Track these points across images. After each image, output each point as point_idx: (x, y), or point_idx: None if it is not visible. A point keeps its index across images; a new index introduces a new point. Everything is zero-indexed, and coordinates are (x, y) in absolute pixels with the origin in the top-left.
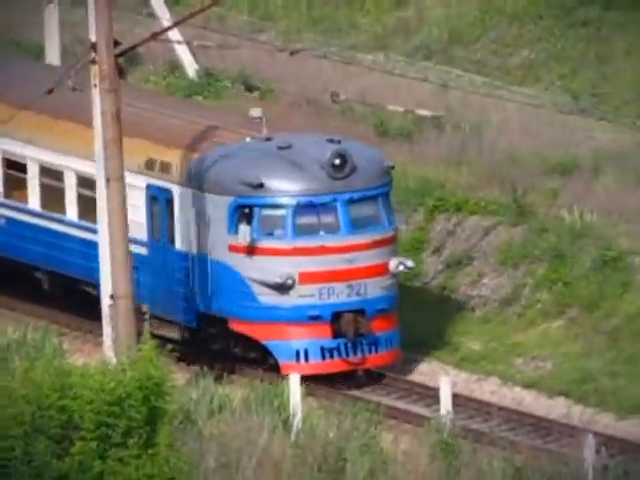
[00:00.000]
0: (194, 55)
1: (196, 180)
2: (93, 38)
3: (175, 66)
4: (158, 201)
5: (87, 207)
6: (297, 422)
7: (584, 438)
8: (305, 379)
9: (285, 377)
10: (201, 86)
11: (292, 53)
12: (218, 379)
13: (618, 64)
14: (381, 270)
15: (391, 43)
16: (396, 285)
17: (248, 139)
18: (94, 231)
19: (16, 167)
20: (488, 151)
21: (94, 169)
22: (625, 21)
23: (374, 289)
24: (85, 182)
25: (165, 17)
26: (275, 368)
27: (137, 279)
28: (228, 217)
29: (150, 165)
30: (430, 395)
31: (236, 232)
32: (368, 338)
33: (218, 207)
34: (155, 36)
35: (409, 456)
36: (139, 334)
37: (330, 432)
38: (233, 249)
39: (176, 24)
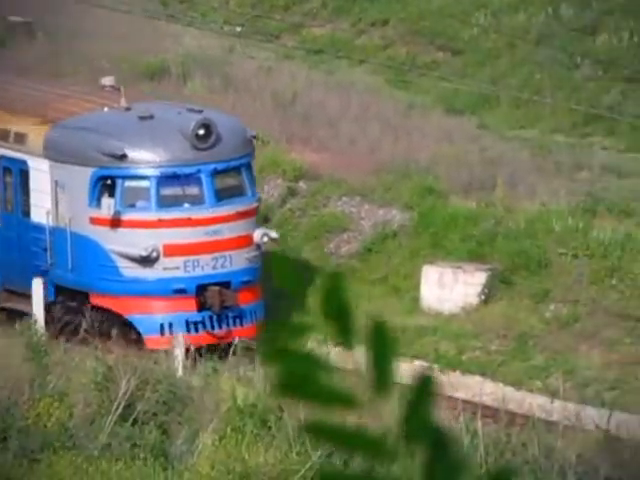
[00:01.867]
0: None
1: (53, 150)
2: None
3: None
4: (12, 173)
5: None
6: None
7: None
8: None
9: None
10: None
11: None
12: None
13: None
14: (246, 242)
15: None
16: (260, 257)
17: (106, 109)
18: None
19: None
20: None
21: None
22: None
23: (239, 261)
24: None
25: None
26: (137, 343)
27: None
28: (89, 189)
29: (3, 136)
30: None
31: (98, 204)
32: (234, 311)
33: (78, 178)
34: None
35: (3, 356)
36: None
37: None
38: (95, 221)
39: None
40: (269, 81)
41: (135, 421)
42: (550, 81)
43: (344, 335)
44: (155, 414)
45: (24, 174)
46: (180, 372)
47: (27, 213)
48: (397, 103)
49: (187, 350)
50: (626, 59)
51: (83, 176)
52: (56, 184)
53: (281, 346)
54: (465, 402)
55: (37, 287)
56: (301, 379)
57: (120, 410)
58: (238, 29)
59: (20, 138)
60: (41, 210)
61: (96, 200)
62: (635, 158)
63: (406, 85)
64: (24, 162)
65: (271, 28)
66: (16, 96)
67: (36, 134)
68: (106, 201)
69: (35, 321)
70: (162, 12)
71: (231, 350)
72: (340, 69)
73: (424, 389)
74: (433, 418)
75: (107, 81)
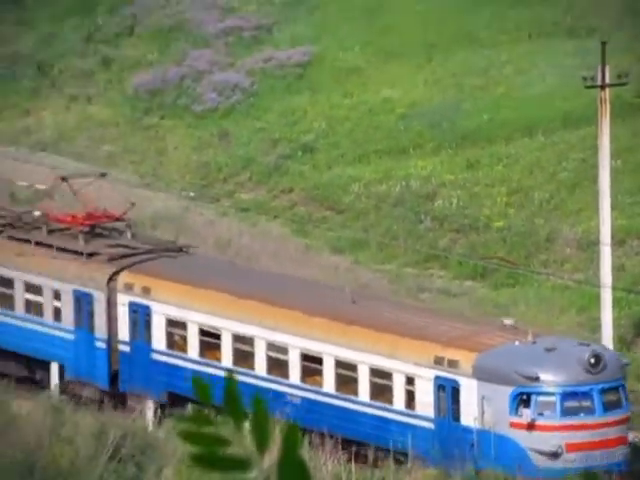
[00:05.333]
0: None
1: (481, 373)
2: None
3: None
4: (445, 389)
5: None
6: None
7: None
8: None
9: None
10: None
11: None
12: None
13: (169, 155)
14: (623, 441)
15: None
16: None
17: (517, 342)
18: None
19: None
20: None
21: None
22: (173, 126)
23: (618, 456)
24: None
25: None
26: None
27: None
28: (510, 401)
29: (438, 361)
30: None
31: (516, 412)
32: None
33: (500, 393)
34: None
35: (31, 414)
36: None
37: None
38: (514, 425)
39: None
40: (213, 230)
41: (120, 459)
42: (403, 231)
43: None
44: (133, 455)
45: (455, 390)
46: (150, 427)
47: (457, 418)
48: (299, 246)
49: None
50: (455, 216)
51: (505, 392)
52: (482, 397)
53: (194, 429)
54: None
55: None
56: (208, 456)
57: (110, 452)
58: (192, 194)
59: (454, 363)
60: (469, 417)
61: (515, 409)
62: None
63: (305, 233)
64: (455, 381)
65: (214, 194)
66: (445, 330)
67: (466, 361)
68: (523, 411)
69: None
70: (139, 182)
71: None
72: (261, 222)
73: (291, 438)
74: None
75: (508, 321)
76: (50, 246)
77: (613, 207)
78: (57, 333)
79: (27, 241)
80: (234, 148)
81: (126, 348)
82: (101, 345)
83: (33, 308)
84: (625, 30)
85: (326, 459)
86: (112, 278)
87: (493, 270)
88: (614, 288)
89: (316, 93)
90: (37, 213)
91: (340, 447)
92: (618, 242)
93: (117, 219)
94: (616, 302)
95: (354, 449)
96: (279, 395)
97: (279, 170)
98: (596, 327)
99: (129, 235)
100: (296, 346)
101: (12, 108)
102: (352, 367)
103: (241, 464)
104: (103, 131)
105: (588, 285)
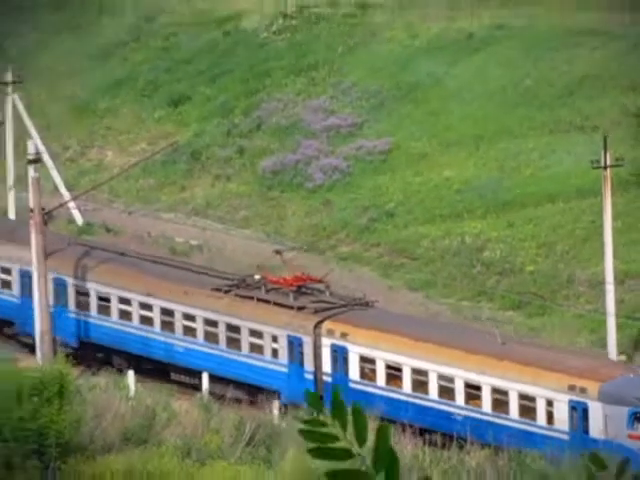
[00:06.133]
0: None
1: (605, 397)
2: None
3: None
4: (577, 410)
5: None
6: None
7: None
8: None
9: None
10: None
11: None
12: None
13: (288, 219)
14: None
15: None
16: None
17: (631, 375)
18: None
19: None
20: None
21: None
22: (290, 197)
23: None
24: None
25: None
26: None
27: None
28: (627, 418)
29: (572, 388)
30: None
31: (632, 427)
32: None
33: (620, 412)
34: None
35: (188, 411)
36: None
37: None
38: (631, 437)
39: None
40: (319, 274)
41: (255, 445)
42: (460, 274)
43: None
44: (264, 441)
45: (585, 410)
46: (276, 420)
47: (586, 432)
48: (384, 285)
49: None
50: (498, 263)
51: (623, 411)
52: (606, 416)
53: (312, 428)
54: None
55: None
56: (321, 449)
57: (247, 439)
58: (305, 247)
59: (584, 390)
60: (596, 430)
61: (631, 424)
62: None
63: (388, 276)
64: (585, 403)
65: (321, 247)
66: (572, 366)
67: (593, 388)
68: (638, 425)
69: None
70: (266, 239)
71: None
72: (356, 268)
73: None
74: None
75: (621, 357)
76: (268, 301)
77: (614, 256)
78: (274, 367)
79: (250, 298)
80: (335, 213)
81: (329, 379)
82: (309, 376)
83: (256, 348)
84: (621, 127)
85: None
86: (317, 326)
87: (527, 303)
88: (617, 316)
89: (395, 173)
90: (257, 277)
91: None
92: (619, 282)
93: (319, 281)
94: (619, 327)
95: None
96: (447, 414)
97: (369, 229)
98: (604, 345)
99: (328, 293)
100: (460, 377)
101: (172, 185)
102: (504, 393)
103: (346, 453)
104: (239, 201)
105: (597, 314)
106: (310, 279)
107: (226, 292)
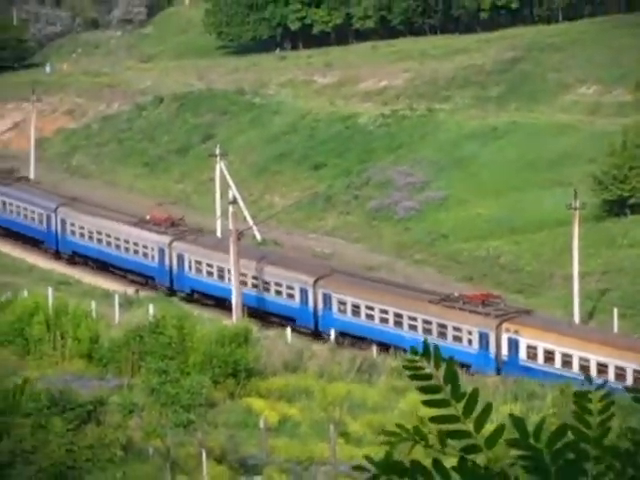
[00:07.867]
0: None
1: None
2: None
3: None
4: None
5: None
6: None
7: None
8: None
9: None
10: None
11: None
12: None
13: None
14: None
15: None
16: None
17: None
18: None
19: None
20: None
21: None
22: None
23: None
24: None
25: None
26: None
27: None
28: None
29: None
30: None
31: None
32: None
33: None
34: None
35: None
36: None
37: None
38: None
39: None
40: (394, 277)
41: None
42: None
43: None
44: None
45: None
46: None
47: None
48: None
49: None
50: (510, 266)
51: None
52: None
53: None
54: None
55: None
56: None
57: None
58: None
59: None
60: None
61: None
62: None
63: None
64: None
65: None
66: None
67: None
68: None
69: None
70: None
71: None
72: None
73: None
74: None
75: None
76: (464, 310)
77: (579, 262)
78: (469, 351)
79: (453, 307)
80: (412, 235)
81: (505, 359)
82: (492, 357)
83: (457, 339)
84: (585, 184)
85: None
86: (498, 326)
87: (526, 289)
88: (579, 297)
89: (448, 212)
90: (456, 294)
91: None
92: (581, 277)
93: (497, 297)
94: (580, 305)
95: None
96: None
97: (432, 245)
98: (572, 315)
99: (503, 304)
100: (594, 360)
101: (314, 217)
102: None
103: (436, 388)
104: (354, 227)
105: (568, 297)
106: (491, 296)
107: (436, 303)
